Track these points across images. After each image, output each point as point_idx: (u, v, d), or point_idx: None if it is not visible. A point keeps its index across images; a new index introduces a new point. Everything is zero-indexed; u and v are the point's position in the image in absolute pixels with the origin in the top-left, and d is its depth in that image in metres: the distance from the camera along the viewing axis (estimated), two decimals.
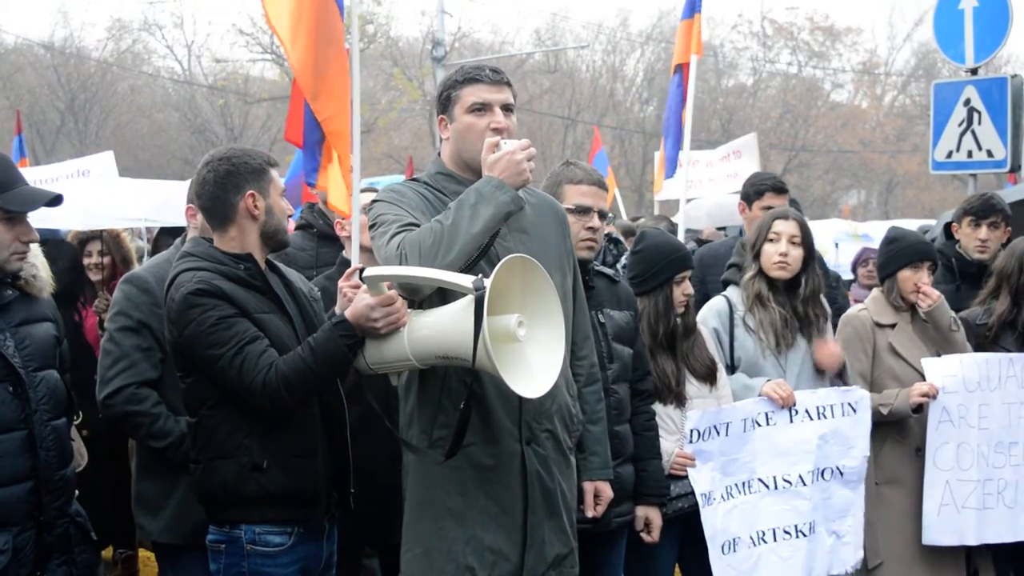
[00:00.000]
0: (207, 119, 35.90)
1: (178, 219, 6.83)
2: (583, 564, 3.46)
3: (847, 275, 8.64)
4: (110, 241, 6.30)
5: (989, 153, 7.68)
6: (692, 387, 4.30)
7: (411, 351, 2.99)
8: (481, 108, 3.24)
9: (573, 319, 3.41)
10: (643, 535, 4.07)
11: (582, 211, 3.89)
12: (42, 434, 3.20)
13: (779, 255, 4.47)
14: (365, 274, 3.00)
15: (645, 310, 4.22)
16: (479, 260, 3.02)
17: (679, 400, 4.25)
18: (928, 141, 8.17)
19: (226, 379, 3.08)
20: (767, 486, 4.36)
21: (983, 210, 5.28)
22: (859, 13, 59.15)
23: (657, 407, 4.18)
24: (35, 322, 3.32)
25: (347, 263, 4.27)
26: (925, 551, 4.62)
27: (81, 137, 34.61)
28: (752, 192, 5.58)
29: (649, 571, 4.23)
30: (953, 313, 4.73)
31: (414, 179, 3.44)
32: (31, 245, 3.30)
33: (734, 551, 4.27)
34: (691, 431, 4.22)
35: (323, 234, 5.25)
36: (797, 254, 4.48)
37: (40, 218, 3.38)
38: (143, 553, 6.08)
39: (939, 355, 4.69)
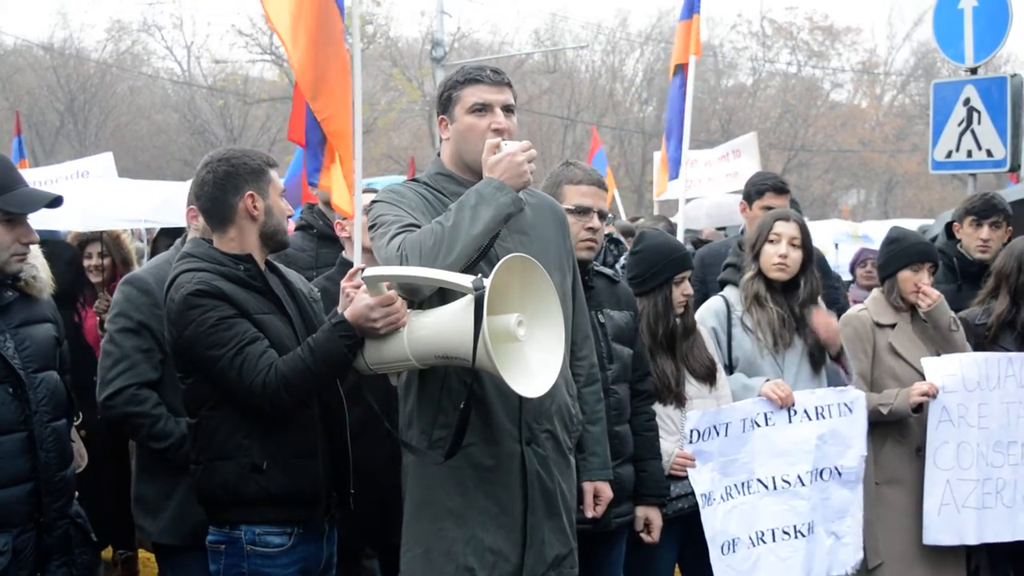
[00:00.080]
0: (206, 120, 35.90)
1: (177, 220, 6.84)
2: (583, 564, 3.46)
3: (846, 276, 8.64)
4: (110, 243, 6.30)
5: (989, 153, 7.68)
6: (692, 387, 4.30)
7: (411, 351, 2.99)
8: (482, 108, 3.24)
9: (573, 319, 3.41)
10: (643, 535, 4.07)
11: (582, 211, 3.89)
12: (42, 435, 3.20)
13: (779, 256, 4.48)
14: (364, 274, 3.00)
15: (644, 310, 4.23)
16: (479, 261, 3.03)
17: (679, 400, 4.25)
18: (928, 141, 8.16)
19: (226, 380, 3.08)
20: (766, 486, 4.37)
21: (985, 210, 5.28)
22: (858, 13, 59.33)
23: (657, 407, 4.19)
24: (35, 323, 3.32)
25: (347, 264, 4.27)
26: (926, 551, 4.62)
27: (80, 138, 34.61)
28: (753, 192, 5.59)
29: (649, 571, 4.23)
30: (953, 313, 4.73)
31: (414, 180, 3.44)
32: (31, 246, 3.30)
33: (733, 551, 4.27)
34: (691, 431, 4.22)
35: (323, 235, 5.25)
36: (796, 256, 4.49)
37: (40, 219, 3.38)
38: (143, 554, 6.08)
39: (939, 355, 4.69)
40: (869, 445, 4.64)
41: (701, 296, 4.95)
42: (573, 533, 3.34)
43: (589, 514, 3.61)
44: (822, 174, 39.15)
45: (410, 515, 3.25)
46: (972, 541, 4.64)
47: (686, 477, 4.20)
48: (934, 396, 4.56)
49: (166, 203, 6.92)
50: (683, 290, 4.27)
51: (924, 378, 4.61)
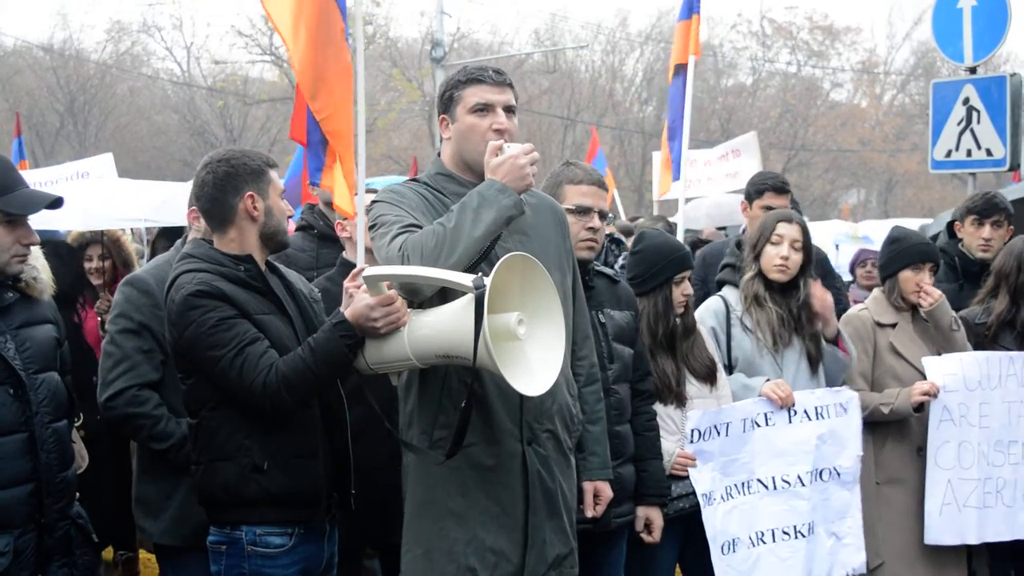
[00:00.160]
0: (206, 121, 35.90)
1: (177, 219, 6.85)
2: (584, 564, 3.46)
3: (846, 276, 8.64)
4: (110, 245, 6.30)
5: (988, 152, 7.67)
6: (692, 387, 4.30)
7: (411, 350, 2.99)
8: (483, 109, 3.24)
9: (573, 319, 3.41)
10: (643, 535, 4.07)
11: (582, 211, 3.89)
12: (43, 436, 3.20)
13: (780, 258, 4.48)
14: (364, 274, 3.01)
15: (644, 310, 4.23)
16: (480, 262, 3.03)
17: (679, 400, 4.25)
18: (927, 140, 8.16)
19: (226, 380, 3.08)
20: (766, 487, 4.37)
21: (986, 209, 5.28)
22: (858, 12, 59.30)
23: (657, 407, 4.18)
24: (36, 324, 3.32)
25: (348, 264, 4.27)
26: (927, 550, 4.62)
27: (80, 139, 34.62)
28: (753, 191, 5.59)
29: (650, 571, 4.23)
30: (954, 313, 4.74)
31: (414, 180, 3.44)
32: (32, 247, 3.30)
33: (734, 551, 4.27)
34: (692, 431, 4.23)
35: (323, 235, 5.25)
36: (797, 259, 4.50)
37: (40, 219, 3.38)
38: (144, 554, 6.08)
39: (940, 355, 4.69)
40: (869, 445, 4.65)
41: (702, 296, 4.96)
42: (573, 533, 3.34)
43: (589, 514, 3.61)
44: (822, 174, 39.16)
45: (411, 515, 3.25)
46: (973, 541, 4.64)
47: (687, 477, 4.20)
48: (935, 395, 4.56)
49: (165, 203, 6.93)
50: (683, 290, 4.27)
51: (925, 377, 4.61)
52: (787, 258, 4.48)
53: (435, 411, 3.18)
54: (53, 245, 5.19)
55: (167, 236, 6.89)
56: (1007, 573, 4.94)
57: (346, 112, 4.72)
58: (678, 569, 4.48)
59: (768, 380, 4.40)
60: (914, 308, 4.76)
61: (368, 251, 4.22)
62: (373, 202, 3.32)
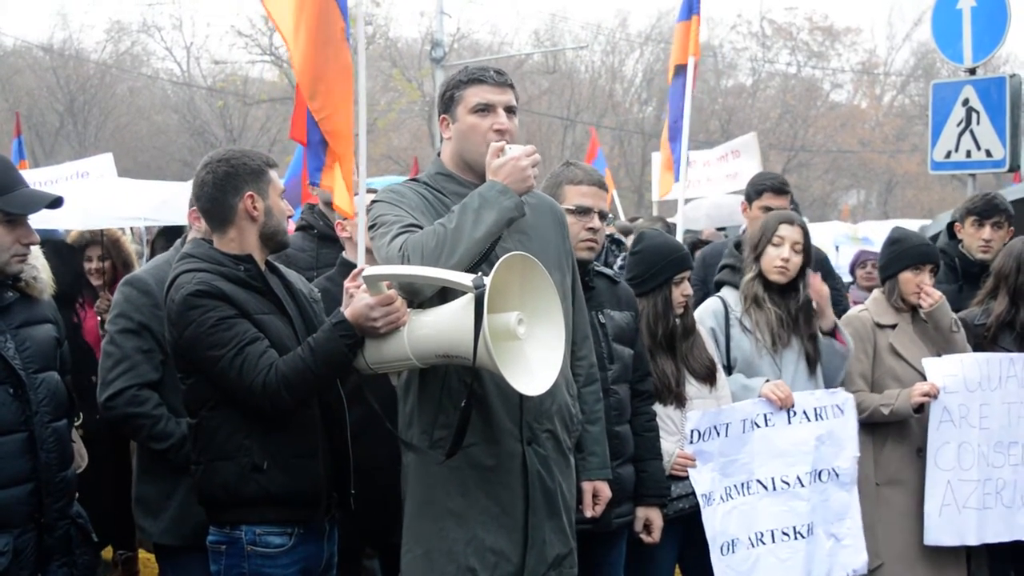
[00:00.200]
0: (206, 121, 35.89)
1: (176, 219, 6.86)
2: (584, 564, 3.46)
3: (846, 277, 8.64)
4: (110, 246, 6.30)
5: (988, 153, 7.67)
6: (692, 388, 4.30)
7: (411, 350, 2.99)
8: (484, 109, 3.25)
9: (572, 319, 3.41)
10: (642, 536, 4.07)
11: (582, 212, 3.89)
12: (43, 436, 3.20)
13: (781, 260, 4.49)
14: (364, 273, 3.01)
15: (644, 311, 4.23)
16: (481, 263, 3.03)
17: (679, 401, 4.25)
18: (927, 141, 8.16)
19: (226, 380, 3.08)
20: (765, 487, 4.37)
21: (987, 210, 5.28)
22: (858, 13, 59.33)
23: (657, 408, 4.19)
24: (36, 324, 3.32)
25: (347, 264, 4.27)
26: (926, 551, 4.62)
27: (80, 139, 34.61)
28: (752, 192, 5.60)
29: (649, 572, 4.23)
30: (954, 314, 4.74)
31: (414, 180, 3.44)
32: (32, 247, 3.30)
33: (733, 552, 4.27)
34: (691, 431, 4.23)
35: (323, 235, 5.25)
36: (797, 261, 4.51)
37: (39, 219, 3.39)
38: (143, 554, 6.08)
39: (940, 356, 4.69)
40: (869, 446, 4.65)
41: (702, 296, 4.96)
42: (572, 533, 3.34)
43: (588, 514, 3.61)
44: (822, 174, 39.16)
45: (411, 515, 3.25)
46: (972, 542, 4.64)
47: (687, 477, 4.20)
48: (935, 396, 4.56)
49: (165, 203, 6.94)
50: (683, 290, 4.27)
51: (925, 378, 4.61)
52: (788, 260, 4.49)
53: (435, 411, 3.18)
54: (53, 245, 5.19)
55: (167, 236, 6.89)
56: (1007, 574, 4.93)
57: (346, 112, 4.72)
58: (678, 569, 4.48)
59: (768, 381, 4.40)
60: (914, 309, 4.76)
61: (369, 252, 4.22)
62: (373, 202, 3.32)
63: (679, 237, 6.70)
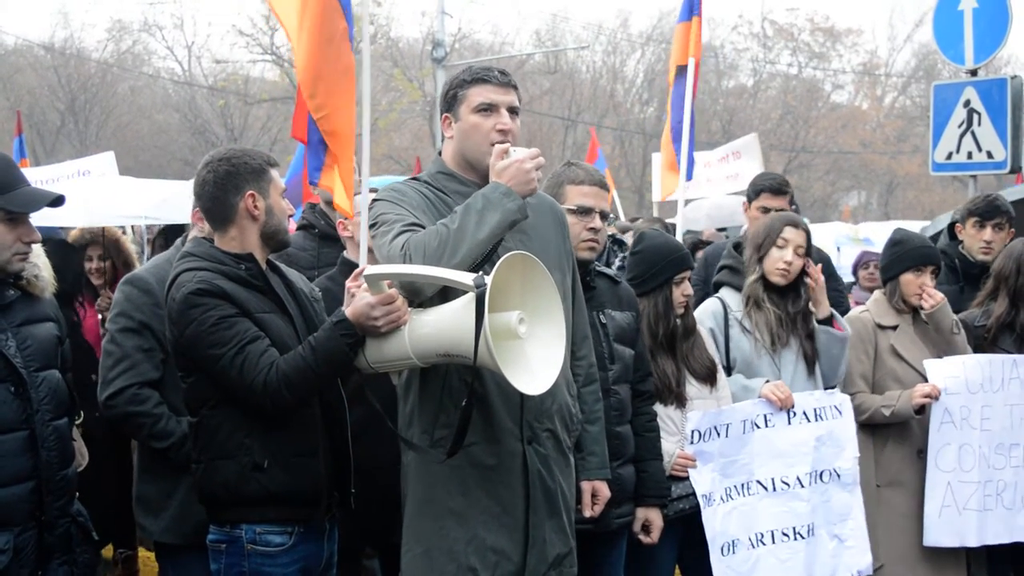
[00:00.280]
0: (207, 120, 35.90)
1: (177, 217, 6.87)
2: (584, 565, 3.46)
3: (846, 277, 8.64)
4: (110, 246, 6.30)
5: (989, 154, 7.67)
6: (692, 388, 4.30)
7: (412, 349, 2.99)
8: (487, 109, 3.25)
9: (572, 319, 3.41)
10: (641, 536, 4.06)
11: (584, 212, 3.89)
12: (44, 434, 3.20)
13: (784, 262, 4.50)
14: (365, 272, 3.01)
15: (645, 311, 4.23)
16: (483, 264, 3.03)
17: (680, 401, 4.25)
18: (928, 142, 8.15)
19: (227, 379, 3.08)
20: (765, 488, 4.37)
21: (988, 211, 5.27)
22: (859, 14, 59.29)
23: (658, 408, 4.19)
24: (37, 322, 3.32)
25: (348, 263, 4.27)
26: (926, 552, 4.62)
27: (81, 138, 34.61)
28: (751, 191, 5.61)
29: (650, 572, 4.23)
30: (955, 316, 4.74)
31: (414, 178, 3.44)
32: (33, 245, 3.30)
33: (733, 553, 4.27)
34: (692, 432, 4.23)
35: (325, 234, 5.25)
36: (799, 264, 4.52)
37: (40, 216, 3.39)
38: (143, 553, 6.08)
39: (940, 358, 4.69)
40: (870, 447, 4.65)
41: (704, 296, 4.96)
42: (572, 532, 3.34)
43: (587, 513, 3.61)
44: (823, 175, 39.16)
45: (411, 514, 3.25)
46: (973, 543, 4.64)
47: (687, 478, 4.20)
48: (936, 398, 4.56)
49: (166, 201, 6.95)
50: (683, 290, 4.27)
51: (926, 380, 4.61)
52: (790, 263, 4.50)
53: (436, 410, 3.18)
54: (53, 243, 5.19)
55: (167, 235, 6.90)
56: (1007, 575, 4.94)
57: (346, 112, 4.71)
58: (678, 570, 4.48)
59: (768, 381, 4.40)
60: (915, 310, 4.76)
61: (370, 252, 4.21)
62: (374, 200, 3.32)
63: (678, 238, 6.69)
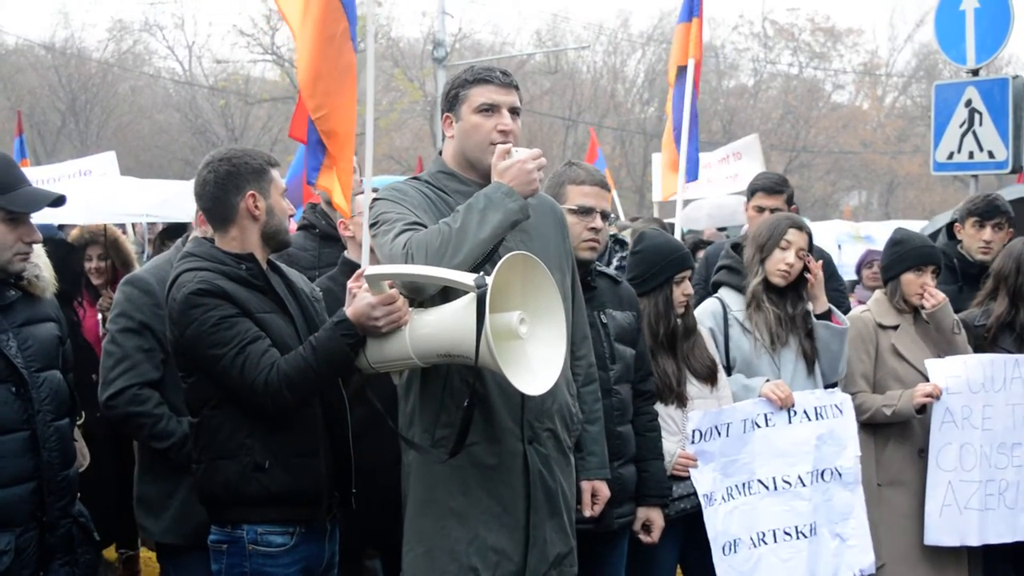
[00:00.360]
0: (208, 120, 35.91)
1: (178, 216, 6.87)
2: (585, 564, 3.46)
3: (847, 276, 8.64)
4: (110, 245, 6.31)
5: (990, 154, 7.67)
6: (693, 387, 4.30)
7: (413, 349, 2.99)
8: (489, 109, 3.25)
9: (572, 319, 3.41)
10: (641, 536, 4.06)
11: (585, 211, 3.89)
12: (45, 435, 3.20)
13: (785, 264, 4.50)
14: (366, 272, 3.01)
15: (645, 310, 4.23)
16: (485, 264, 3.03)
17: (680, 400, 4.25)
18: (929, 142, 8.15)
19: (228, 379, 3.08)
20: (766, 487, 4.37)
21: (988, 211, 5.27)
22: (860, 14, 59.21)
23: (659, 407, 4.18)
24: (38, 322, 3.32)
25: (349, 263, 4.27)
26: (927, 552, 4.62)
27: (82, 138, 34.63)
28: (748, 191, 5.62)
29: (651, 572, 4.23)
30: (956, 316, 4.73)
31: (415, 178, 3.44)
32: (34, 245, 3.30)
33: (735, 552, 4.27)
34: (693, 431, 4.23)
35: (325, 234, 5.24)
36: (800, 265, 4.52)
37: (41, 215, 3.39)
38: (144, 553, 6.08)
39: (941, 357, 4.69)
40: (871, 446, 4.65)
41: (705, 296, 4.96)
42: (573, 532, 3.35)
43: (587, 513, 3.61)
44: (823, 175, 39.16)
45: (412, 514, 3.25)
46: (974, 542, 4.64)
47: (688, 477, 4.20)
48: (938, 397, 4.56)
49: (167, 201, 6.96)
50: (683, 290, 4.27)
51: (927, 379, 4.61)
52: (791, 265, 4.51)
53: (437, 410, 3.19)
54: (53, 243, 5.19)
55: (168, 235, 6.90)
56: (1007, 575, 4.93)
57: (346, 112, 4.70)
58: (679, 570, 4.48)
59: (768, 381, 4.40)
60: (916, 310, 4.76)
61: (372, 252, 4.21)
62: (375, 200, 3.33)
63: (678, 237, 6.69)
